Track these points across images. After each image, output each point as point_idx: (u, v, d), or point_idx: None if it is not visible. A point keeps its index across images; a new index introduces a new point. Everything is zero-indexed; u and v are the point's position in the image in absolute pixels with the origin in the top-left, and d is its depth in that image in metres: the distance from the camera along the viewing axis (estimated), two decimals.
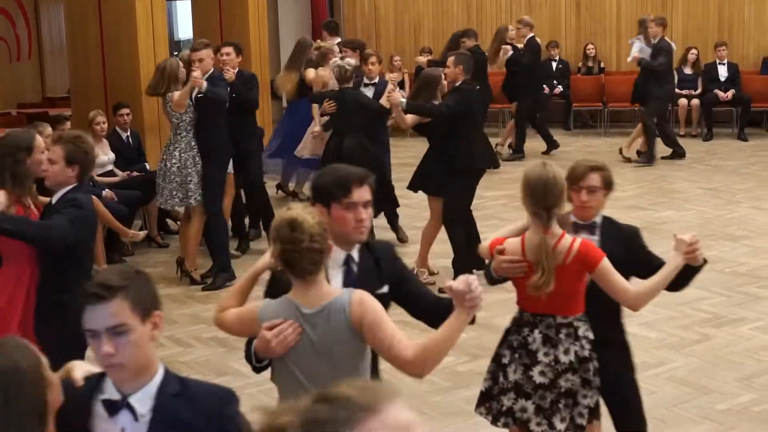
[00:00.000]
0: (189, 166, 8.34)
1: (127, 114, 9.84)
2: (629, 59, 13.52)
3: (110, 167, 9.66)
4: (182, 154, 8.34)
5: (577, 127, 16.16)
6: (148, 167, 9.81)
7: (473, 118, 8.27)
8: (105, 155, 9.58)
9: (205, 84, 8.21)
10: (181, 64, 8.74)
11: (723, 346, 6.76)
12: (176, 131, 8.39)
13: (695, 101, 15.28)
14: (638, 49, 13.22)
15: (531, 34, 13.68)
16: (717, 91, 15.02)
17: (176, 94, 8.29)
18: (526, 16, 14.43)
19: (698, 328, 7.11)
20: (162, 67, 8.57)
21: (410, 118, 8.27)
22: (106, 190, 9.11)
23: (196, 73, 8.20)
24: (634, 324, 7.28)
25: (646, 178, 12.39)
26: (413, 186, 8.48)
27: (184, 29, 18.28)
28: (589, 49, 16.27)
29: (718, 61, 15.21)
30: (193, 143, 8.37)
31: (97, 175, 9.40)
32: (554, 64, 15.96)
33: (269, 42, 14.92)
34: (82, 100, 10.47)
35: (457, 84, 8.12)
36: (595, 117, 16.32)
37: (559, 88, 15.80)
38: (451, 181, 8.02)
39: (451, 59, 8.27)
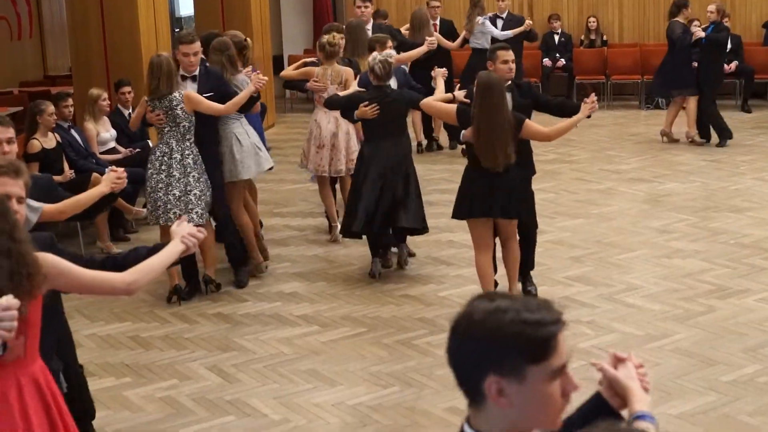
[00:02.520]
0: (193, 173, 7.38)
1: (129, 92, 9.82)
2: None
3: (112, 144, 9.66)
4: (194, 159, 7.42)
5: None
6: (150, 144, 9.79)
7: None
8: (107, 132, 9.58)
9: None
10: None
11: (728, 318, 6.76)
12: (184, 134, 7.34)
13: None
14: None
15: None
16: None
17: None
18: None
19: (703, 299, 7.11)
20: (158, 64, 7.26)
21: None
22: (110, 167, 9.10)
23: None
24: (637, 296, 7.30)
25: (649, 150, 12.36)
26: None
27: (186, 6, 18.21)
28: (591, 22, 16.18)
29: None
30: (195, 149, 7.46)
31: (100, 153, 9.42)
32: (556, 37, 15.90)
33: (271, 17, 14.89)
34: (84, 78, 10.45)
35: None
36: (598, 90, 16.24)
37: (562, 61, 15.75)
38: None
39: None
